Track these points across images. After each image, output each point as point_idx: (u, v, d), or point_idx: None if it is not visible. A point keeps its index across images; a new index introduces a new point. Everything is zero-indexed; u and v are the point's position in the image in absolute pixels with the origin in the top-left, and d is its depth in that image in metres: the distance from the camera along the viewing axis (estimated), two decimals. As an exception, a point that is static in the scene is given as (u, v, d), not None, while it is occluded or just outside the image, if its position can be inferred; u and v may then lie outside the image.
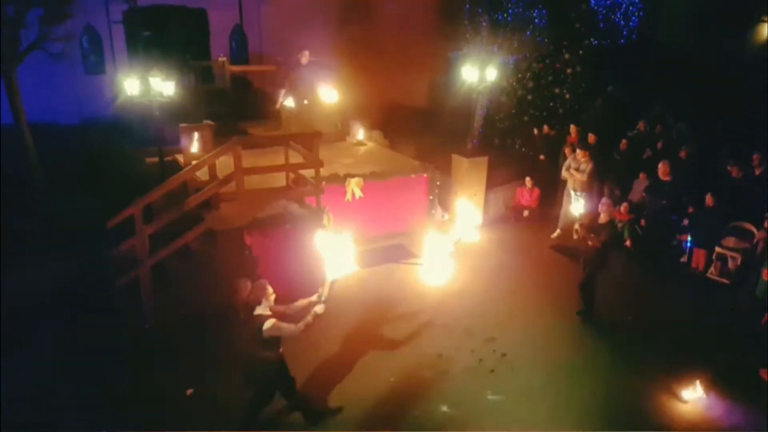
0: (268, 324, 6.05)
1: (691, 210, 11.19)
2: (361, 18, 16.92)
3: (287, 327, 6.17)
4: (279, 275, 9.56)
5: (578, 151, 12.23)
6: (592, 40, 16.45)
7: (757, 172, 11.05)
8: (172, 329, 8.74)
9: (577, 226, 9.29)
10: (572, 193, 12.18)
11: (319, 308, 6.39)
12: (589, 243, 9.01)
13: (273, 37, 18.03)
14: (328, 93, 13.11)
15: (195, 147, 11.31)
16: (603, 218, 9.15)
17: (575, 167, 12.14)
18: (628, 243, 11.84)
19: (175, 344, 8.46)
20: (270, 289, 6.33)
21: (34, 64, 13.05)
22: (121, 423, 6.94)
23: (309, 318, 6.31)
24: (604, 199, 9.54)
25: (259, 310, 6.18)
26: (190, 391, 7.50)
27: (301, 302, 6.65)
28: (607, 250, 9.09)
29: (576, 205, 10.35)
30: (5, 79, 11.88)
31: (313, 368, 8.02)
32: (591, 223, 9.14)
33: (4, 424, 6.77)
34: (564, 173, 12.47)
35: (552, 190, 13.49)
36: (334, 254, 6.73)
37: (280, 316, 6.27)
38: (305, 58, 12.89)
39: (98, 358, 8.06)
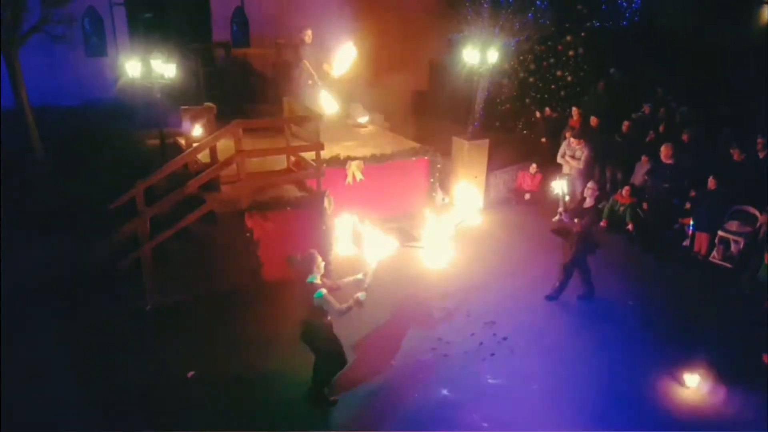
0: (318, 294, 6.29)
1: (693, 194, 11.17)
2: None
3: (334, 303, 6.40)
4: (280, 257, 9.62)
5: (572, 139, 12.21)
6: (594, 22, 16.32)
7: (761, 156, 11.01)
8: (173, 311, 8.79)
9: (560, 209, 9.22)
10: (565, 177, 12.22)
11: (361, 295, 6.52)
12: (573, 227, 8.98)
13: (274, 19, 17.91)
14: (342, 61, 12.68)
15: (196, 129, 11.31)
16: (588, 202, 9.06)
17: (570, 154, 12.12)
18: (630, 226, 11.84)
19: (176, 326, 8.51)
20: (320, 260, 6.52)
21: (36, 46, 13.02)
22: (122, 405, 7.01)
23: (351, 302, 6.47)
24: (590, 184, 9.44)
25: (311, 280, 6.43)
26: (191, 374, 7.55)
27: (348, 279, 6.84)
28: (589, 234, 9.08)
29: (558, 185, 10.09)
30: (7, 61, 11.86)
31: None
32: (576, 207, 9.10)
33: (4, 407, 6.82)
34: (559, 159, 12.46)
35: (553, 173, 13.45)
36: (371, 241, 6.84)
37: (329, 289, 6.50)
38: (308, 37, 12.78)
39: (99, 340, 8.11)
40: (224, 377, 7.49)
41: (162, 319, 8.68)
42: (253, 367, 7.68)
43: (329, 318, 6.57)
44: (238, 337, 8.30)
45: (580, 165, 11.93)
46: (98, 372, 7.51)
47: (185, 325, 8.54)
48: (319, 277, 6.49)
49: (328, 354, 6.78)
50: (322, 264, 6.57)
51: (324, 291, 6.35)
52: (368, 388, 7.40)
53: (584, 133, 12.72)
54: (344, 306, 6.45)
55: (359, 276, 6.76)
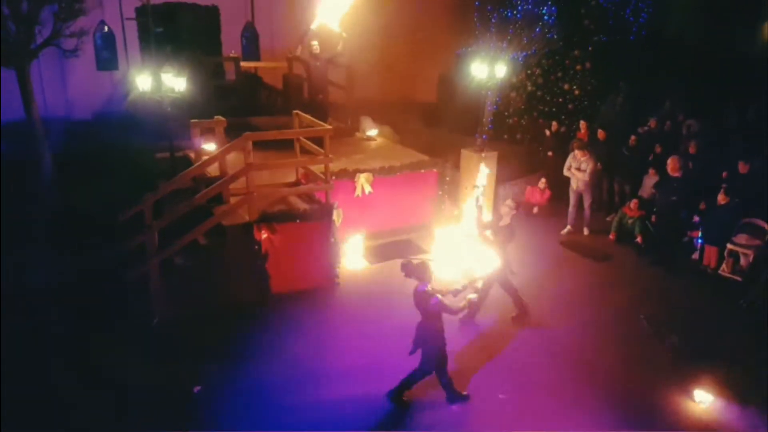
0: (435, 298, 6.75)
1: (702, 206, 11.13)
2: (371, 13, 16.90)
3: (451, 305, 6.88)
4: (288, 270, 9.65)
5: (576, 151, 12.22)
6: (601, 36, 16.37)
7: (765, 169, 10.98)
8: (180, 325, 8.80)
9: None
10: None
11: (472, 296, 7.03)
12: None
13: (284, 33, 18.05)
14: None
15: (206, 143, 11.38)
16: (504, 221, 8.73)
17: (576, 166, 12.13)
18: (639, 239, 11.82)
19: (183, 340, 8.50)
20: (432, 269, 6.94)
21: (48, 59, 13.13)
22: (127, 419, 7.00)
23: (465, 303, 6.97)
24: (508, 201, 9.02)
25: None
26: (197, 388, 7.54)
27: (450, 289, 7.17)
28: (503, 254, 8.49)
29: (476, 194, 8.99)
30: (18, 74, 11.98)
31: (321, 363, 8.06)
32: (493, 225, 8.76)
33: (5, 418, 6.82)
34: (566, 171, 12.46)
35: (561, 186, 13.45)
36: (480, 253, 7.29)
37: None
38: (316, 48, 12.88)
39: (105, 353, 8.08)
40: (231, 392, 7.47)
41: (169, 333, 8.68)
42: (261, 381, 7.67)
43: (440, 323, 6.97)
44: (246, 350, 8.30)
45: (586, 177, 11.92)
46: (103, 385, 7.48)
47: (192, 338, 8.53)
48: (430, 285, 6.89)
49: (437, 355, 7.13)
50: (433, 273, 6.96)
51: (440, 296, 6.79)
52: (375, 402, 7.33)
53: (592, 146, 12.72)
54: (460, 306, 6.95)
55: (458, 287, 7.15)
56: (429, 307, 6.79)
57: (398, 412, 7.22)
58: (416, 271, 6.87)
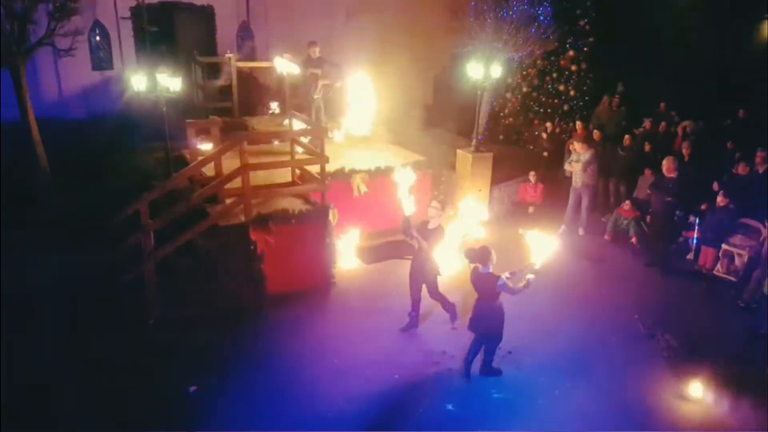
0: (500, 280, 7.27)
1: (704, 207, 11.16)
2: (366, 14, 16.92)
3: (513, 286, 7.32)
4: (284, 271, 9.64)
5: (575, 143, 12.25)
6: (596, 37, 16.44)
7: (760, 171, 11.02)
8: (176, 325, 8.77)
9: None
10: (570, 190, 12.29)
11: (531, 276, 7.27)
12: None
13: (280, 33, 18.07)
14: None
15: (201, 143, 11.37)
16: (432, 223, 8.38)
17: (575, 159, 12.18)
18: (633, 240, 11.85)
19: (179, 341, 8.46)
20: (494, 253, 7.45)
21: (42, 59, 13.10)
22: (123, 420, 6.97)
23: (525, 283, 7.25)
24: (433, 203, 8.65)
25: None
26: (193, 388, 7.53)
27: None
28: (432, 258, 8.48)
29: (407, 203, 8.22)
30: (13, 74, 11.94)
31: (318, 364, 8.05)
32: (421, 227, 8.38)
33: (3, 422, 6.80)
34: (566, 167, 12.50)
35: (556, 186, 13.49)
36: (541, 244, 7.49)
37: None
38: (314, 52, 12.87)
39: (101, 354, 8.05)
40: (227, 392, 7.46)
41: (165, 334, 8.65)
42: (257, 382, 7.66)
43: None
44: (242, 351, 8.29)
45: (580, 167, 11.96)
46: (99, 386, 7.46)
47: (188, 339, 8.50)
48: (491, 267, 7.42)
49: (499, 332, 7.64)
50: (495, 257, 7.46)
51: (504, 278, 7.28)
52: (371, 402, 7.37)
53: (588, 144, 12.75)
54: (520, 285, 7.28)
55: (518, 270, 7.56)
56: (494, 288, 7.32)
57: (405, 408, 7.26)
58: (479, 256, 7.41)
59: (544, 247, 7.46)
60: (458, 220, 11.98)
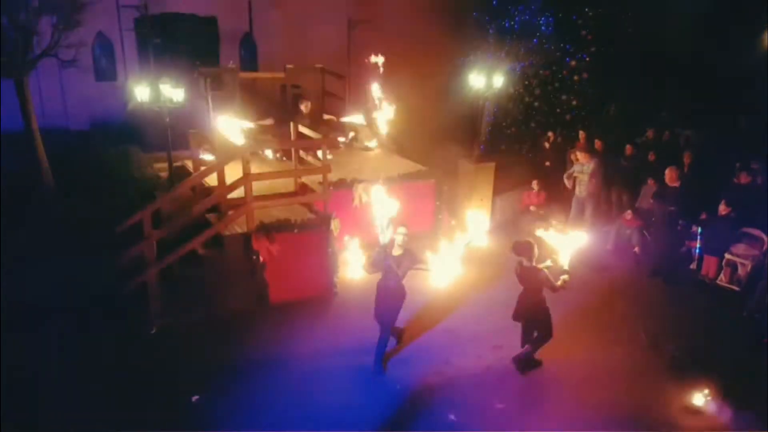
0: (543, 273, 7.72)
1: (704, 216, 11.14)
2: (368, 24, 17.03)
3: (551, 279, 7.71)
4: (287, 280, 9.64)
5: (579, 153, 12.25)
6: (599, 47, 16.46)
7: (759, 181, 11.03)
8: (178, 334, 8.79)
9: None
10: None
11: (565, 277, 7.66)
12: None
13: (283, 43, 18.15)
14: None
15: (204, 153, 11.39)
16: (397, 250, 7.98)
17: (579, 170, 12.18)
18: (636, 249, 11.83)
19: (182, 350, 8.49)
20: (536, 248, 7.80)
21: (46, 70, 13.15)
22: (125, 427, 6.96)
23: (561, 282, 7.65)
24: (401, 229, 8.02)
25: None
26: (195, 398, 7.51)
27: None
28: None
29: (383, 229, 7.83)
30: (17, 85, 12.00)
31: (320, 374, 8.03)
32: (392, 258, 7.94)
33: (5, 427, 6.79)
34: (566, 180, 12.50)
35: (558, 195, 13.47)
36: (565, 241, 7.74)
37: None
38: (306, 107, 13.00)
39: (104, 363, 8.07)
40: (229, 400, 7.45)
41: (167, 343, 8.66)
42: (260, 390, 7.64)
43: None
44: (244, 360, 8.28)
45: (585, 177, 11.97)
46: (102, 395, 7.45)
47: (190, 348, 8.51)
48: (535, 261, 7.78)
49: (548, 321, 8.08)
50: (537, 251, 7.79)
51: (546, 271, 7.71)
52: (373, 412, 7.34)
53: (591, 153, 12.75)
54: (558, 284, 7.68)
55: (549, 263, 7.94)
56: (539, 281, 7.72)
57: (406, 419, 7.24)
58: (524, 250, 7.78)
59: (570, 243, 7.72)
60: (461, 229, 11.98)
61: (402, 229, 8.18)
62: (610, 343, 8.96)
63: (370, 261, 8.07)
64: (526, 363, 8.18)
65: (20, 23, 11.53)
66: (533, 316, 8.04)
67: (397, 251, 8.04)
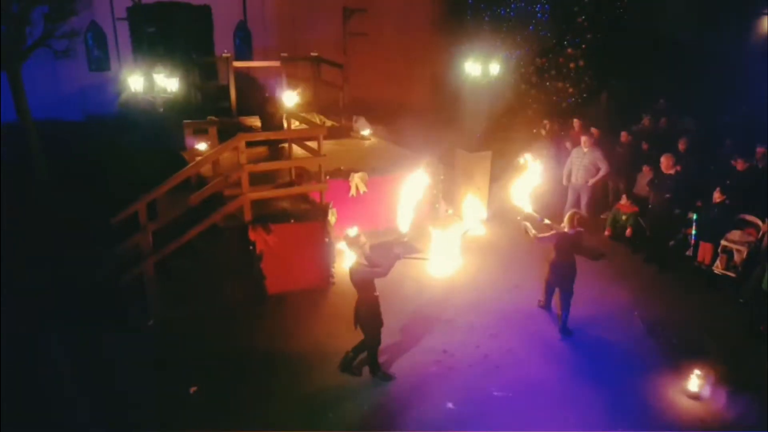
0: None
1: (699, 204, 11.14)
2: (364, 12, 16.90)
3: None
4: (284, 270, 9.63)
5: (583, 139, 12.24)
6: (595, 34, 16.43)
7: (760, 165, 11.01)
8: (175, 326, 8.78)
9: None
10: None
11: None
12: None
13: (277, 33, 18.08)
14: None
15: (199, 143, 11.35)
16: (361, 260, 7.36)
17: (576, 156, 12.18)
18: (628, 232, 11.81)
19: (179, 341, 8.47)
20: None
21: (39, 60, 13.07)
22: (124, 421, 6.96)
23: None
24: (362, 238, 7.43)
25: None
26: (193, 389, 7.51)
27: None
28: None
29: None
30: (9, 75, 11.93)
31: (317, 363, 8.04)
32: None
33: (5, 424, 6.80)
34: (565, 181, 12.54)
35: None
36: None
37: None
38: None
39: (101, 355, 8.06)
40: (227, 393, 7.45)
41: (164, 334, 8.65)
42: (257, 382, 7.65)
43: None
44: (242, 351, 8.28)
45: (584, 164, 11.98)
46: (100, 387, 7.45)
47: (188, 339, 8.51)
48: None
49: (571, 285, 8.72)
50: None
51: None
52: (372, 401, 7.37)
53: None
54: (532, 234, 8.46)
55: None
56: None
57: (405, 408, 7.22)
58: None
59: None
60: (458, 218, 11.99)
61: (362, 239, 7.43)
62: (605, 329, 8.97)
63: (371, 275, 7.37)
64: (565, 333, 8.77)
65: (12, 13, 11.45)
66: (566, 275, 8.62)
67: (361, 258, 7.34)
